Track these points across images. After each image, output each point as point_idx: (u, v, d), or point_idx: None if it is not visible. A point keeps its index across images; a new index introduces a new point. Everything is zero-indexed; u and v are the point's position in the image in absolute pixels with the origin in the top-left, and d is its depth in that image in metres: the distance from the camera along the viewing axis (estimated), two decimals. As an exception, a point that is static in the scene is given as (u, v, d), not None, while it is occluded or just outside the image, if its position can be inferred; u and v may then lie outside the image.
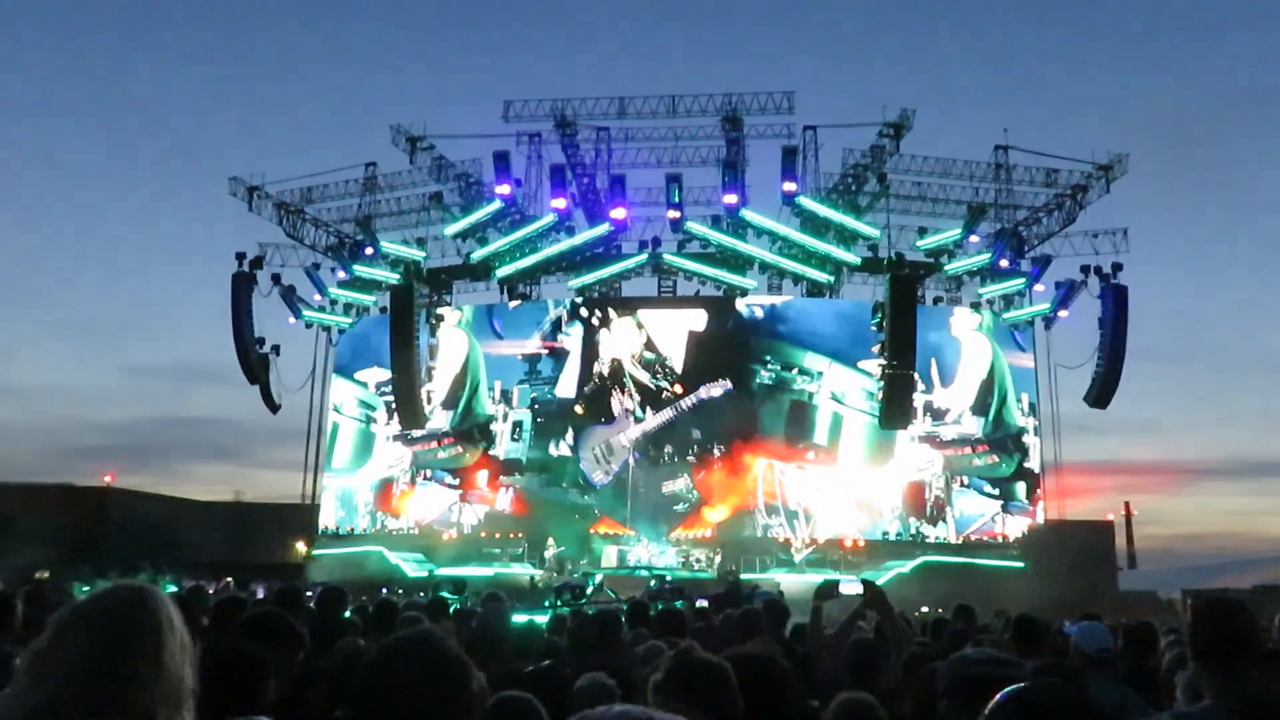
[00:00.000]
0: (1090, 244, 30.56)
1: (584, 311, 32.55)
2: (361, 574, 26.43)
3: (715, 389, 30.65)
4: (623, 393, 31.48)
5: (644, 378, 31.46)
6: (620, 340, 31.91)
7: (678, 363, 31.46)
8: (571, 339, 32.30)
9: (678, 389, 31.13)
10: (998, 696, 1.79)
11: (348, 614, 7.12)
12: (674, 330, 31.87)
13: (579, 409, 31.53)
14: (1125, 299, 28.80)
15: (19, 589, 6.85)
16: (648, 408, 31.16)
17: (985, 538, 30.23)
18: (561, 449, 31.43)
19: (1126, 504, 45.66)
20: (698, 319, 31.88)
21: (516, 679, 3.52)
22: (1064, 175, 31.06)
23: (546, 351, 32.30)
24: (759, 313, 31.96)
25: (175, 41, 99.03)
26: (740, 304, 32.19)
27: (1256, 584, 29.42)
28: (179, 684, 1.90)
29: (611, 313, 32.36)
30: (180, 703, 1.90)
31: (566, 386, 31.96)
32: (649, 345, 31.73)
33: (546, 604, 16.56)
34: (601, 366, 31.80)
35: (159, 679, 1.86)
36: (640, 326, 31.94)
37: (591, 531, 29.77)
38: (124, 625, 1.88)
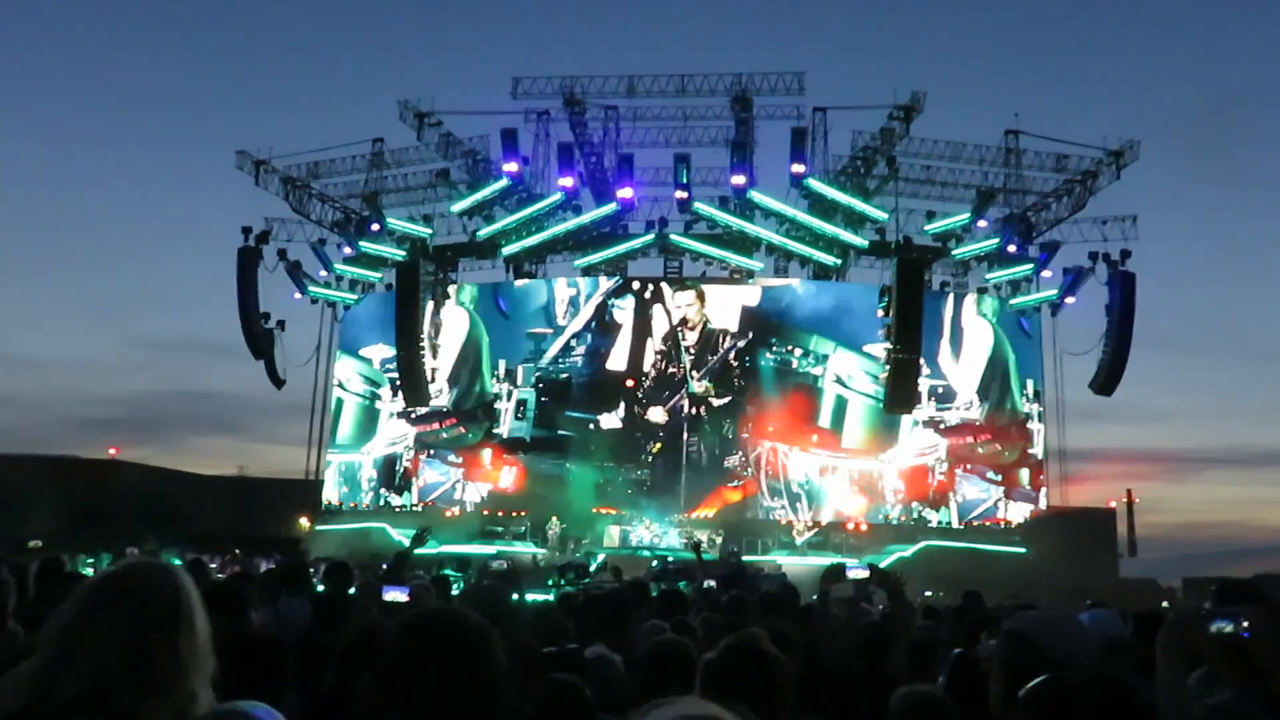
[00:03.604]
0: (1099, 231, 30.48)
1: (636, 285, 32.50)
2: (364, 550, 26.50)
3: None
4: (676, 366, 31.46)
5: (695, 351, 31.48)
6: (676, 313, 31.89)
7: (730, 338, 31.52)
8: (624, 312, 32.23)
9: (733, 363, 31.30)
10: (1036, 681, 1.76)
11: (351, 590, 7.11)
12: (729, 305, 31.82)
13: (630, 382, 31.43)
14: (1133, 287, 28.69)
15: (20, 559, 6.86)
16: (703, 383, 31.13)
17: (987, 523, 30.31)
18: (612, 421, 31.39)
19: (1129, 491, 45.49)
20: (752, 295, 31.87)
21: (540, 659, 3.52)
22: (1074, 161, 30.86)
23: (593, 325, 32.23)
24: (813, 290, 31.99)
25: (185, 12, 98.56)
26: (795, 282, 32.24)
27: (1257, 573, 29.43)
28: (209, 663, 1.92)
29: (665, 287, 32.31)
30: (208, 682, 1.91)
31: (618, 360, 31.86)
32: (705, 322, 31.68)
33: (550, 583, 16.60)
34: (655, 340, 31.75)
35: (197, 657, 1.88)
36: (700, 299, 31.87)
37: (596, 512, 29.80)
38: (164, 603, 1.88)
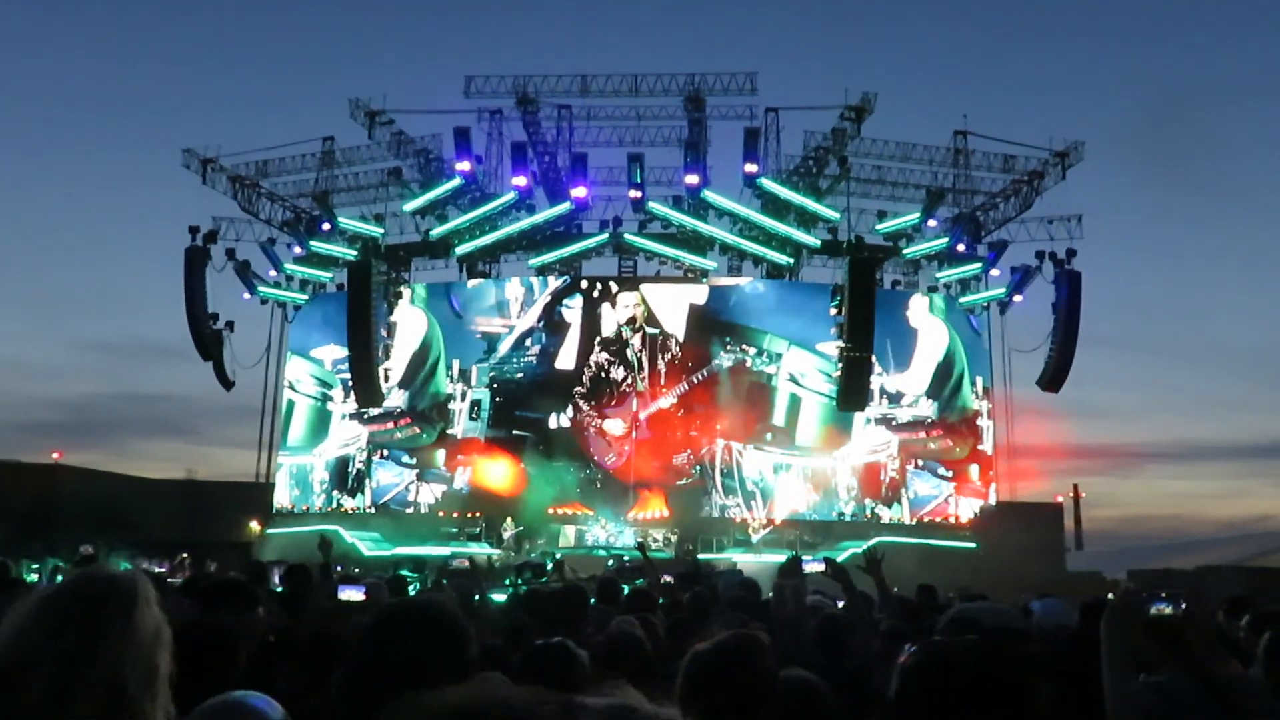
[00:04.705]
0: (1045, 230, 31.09)
1: (584, 284, 32.38)
2: (317, 554, 26.15)
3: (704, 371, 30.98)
4: (625, 367, 31.43)
5: (646, 351, 31.40)
6: (622, 313, 31.79)
7: (680, 336, 31.51)
8: (573, 312, 32.08)
9: (680, 362, 31.27)
10: (910, 650, 1.83)
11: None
12: (676, 304, 31.77)
13: (582, 383, 31.32)
14: (1079, 285, 29.27)
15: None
16: (655, 384, 31.17)
17: (938, 519, 30.71)
18: (562, 422, 31.26)
19: (1075, 486, 46.38)
20: (699, 293, 31.91)
21: (533, 651, 3.54)
22: (1021, 161, 31.43)
23: (541, 325, 32.02)
24: (761, 288, 32.19)
25: (129, 7, 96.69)
26: (745, 281, 32.38)
27: (1198, 566, 30.14)
28: (150, 665, 1.86)
29: (613, 286, 32.25)
30: (151, 686, 1.85)
31: (567, 360, 31.72)
32: (650, 319, 31.64)
33: (507, 582, 16.52)
34: (603, 340, 31.62)
35: (128, 652, 1.82)
36: (643, 300, 31.80)
37: (551, 512, 29.68)
38: (88, 597, 1.85)
